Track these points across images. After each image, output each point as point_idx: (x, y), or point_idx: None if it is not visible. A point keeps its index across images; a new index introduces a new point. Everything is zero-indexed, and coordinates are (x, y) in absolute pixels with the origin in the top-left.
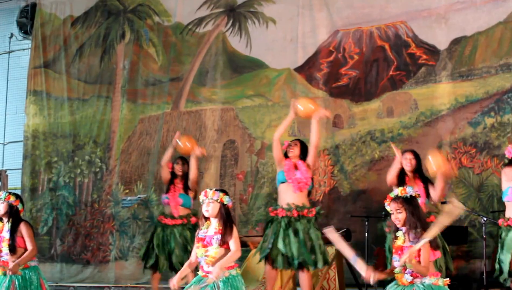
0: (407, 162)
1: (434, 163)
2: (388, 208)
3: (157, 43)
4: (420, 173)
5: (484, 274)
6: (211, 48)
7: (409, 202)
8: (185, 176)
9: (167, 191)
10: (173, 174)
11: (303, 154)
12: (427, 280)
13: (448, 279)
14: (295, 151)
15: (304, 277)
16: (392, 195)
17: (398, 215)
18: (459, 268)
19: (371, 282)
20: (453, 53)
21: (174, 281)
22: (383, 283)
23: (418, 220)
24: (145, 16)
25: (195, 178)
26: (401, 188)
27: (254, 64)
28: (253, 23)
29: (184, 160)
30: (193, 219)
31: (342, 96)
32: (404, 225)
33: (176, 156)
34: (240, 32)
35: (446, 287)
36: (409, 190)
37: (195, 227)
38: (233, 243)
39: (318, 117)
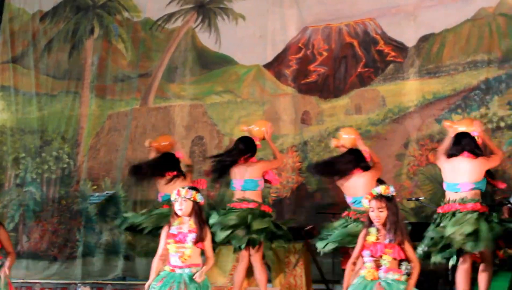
0: None
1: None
2: (366, 204)
3: (126, 39)
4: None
5: (449, 270)
6: (180, 44)
7: (391, 201)
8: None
9: None
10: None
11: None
12: (391, 276)
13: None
14: None
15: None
16: (374, 192)
17: (380, 213)
18: (426, 264)
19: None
20: (421, 50)
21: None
22: None
23: (397, 220)
24: (114, 11)
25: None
26: (384, 186)
27: (223, 60)
28: (223, 20)
29: None
30: None
31: (310, 92)
32: (384, 224)
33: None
34: (210, 28)
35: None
36: (391, 190)
37: None
38: (209, 248)
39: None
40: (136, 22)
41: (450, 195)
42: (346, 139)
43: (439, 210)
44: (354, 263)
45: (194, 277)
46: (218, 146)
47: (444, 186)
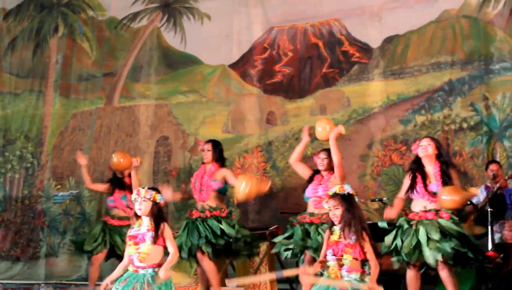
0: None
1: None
2: (326, 205)
3: (91, 38)
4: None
5: None
6: (146, 44)
7: (345, 199)
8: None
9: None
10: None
11: (219, 156)
12: (353, 275)
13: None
14: (208, 156)
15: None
16: (330, 192)
17: (335, 211)
18: (389, 264)
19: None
20: (385, 52)
21: (107, 280)
22: None
23: (353, 217)
24: (79, 10)
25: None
26: (339, 185)
27: (189, 60)
28: (188, 19)
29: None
30: None
31: (276, 93)
32: (340, 221)
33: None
34: (175, 27)
35: None
36: (346, 188)
37: None
38: (171, 244)
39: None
40: (101, 21)
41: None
42: (320, 133)
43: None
44: (322, 262)
45: (157, 274)
46: (183, 146)
47: None
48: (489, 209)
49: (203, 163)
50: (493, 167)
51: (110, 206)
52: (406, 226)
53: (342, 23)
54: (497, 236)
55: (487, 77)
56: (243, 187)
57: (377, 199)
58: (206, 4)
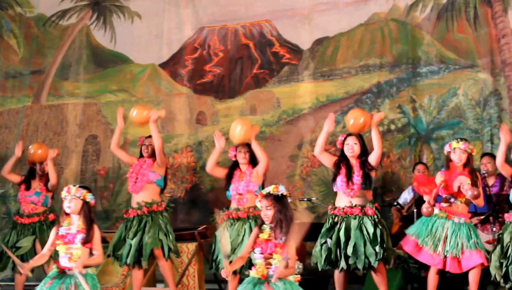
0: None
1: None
2: (258, 204)
3: (19, 35)
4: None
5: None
6: (75, 41)
7: (278, 200)
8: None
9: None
10: (32, 173)
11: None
12: None
13: (299, 276)
14: (148, 151)
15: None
16: (264, 192)
17: (267, 211)
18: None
19: (226, 276)
20: (315, 53)
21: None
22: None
23: (284, 218)
24: (6, 6)
25: (56, 181)
26: (273, 186)
27: (119, 58)
28: (118, 18)
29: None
30: (50, 216)
31: (206, 93)
32: (272, 221)
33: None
34: (105, 26)
35: (297, 283)
36: (281, 189)
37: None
38: (97, 247)
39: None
40: (29, 18)
41: None
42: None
43: None
44: (242, 257)
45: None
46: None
47: None
48: (415, 210)
49: (140, 157)
50: (419, 168)
51: (18, 202)
52: (331, 222)
53: (273, 24)
54: None
55: (415, 80)
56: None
57: (305, 199)
58: (137, 3)
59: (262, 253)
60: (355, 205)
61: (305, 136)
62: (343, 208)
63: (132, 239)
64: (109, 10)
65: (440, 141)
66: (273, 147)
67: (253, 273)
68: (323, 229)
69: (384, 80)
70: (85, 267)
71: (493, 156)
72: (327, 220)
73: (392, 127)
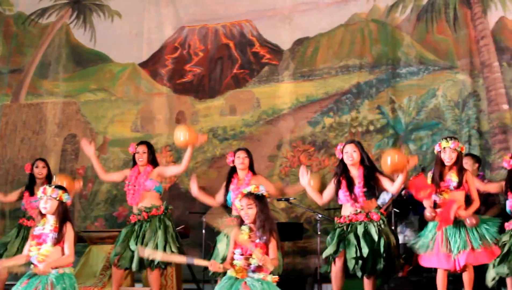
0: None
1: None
2: (238, 204)
3: None
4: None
5: (318, 269)
6: (54, 40)
7: (260, 200)
8: (48, 178)
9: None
10: (32, 178)
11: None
12: (256, 276)
13: (277, 276)
14: (143, 158)
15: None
16: (245, 191)
17: (248, 210)
18: (295, 263)
19: (219, 270)
20: (295, 54)
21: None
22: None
23: (266, 218)
24: None
25: None
26: (254, 185)
27: (98, 57)
28: (98, 16)
29: (44, 161)
30: None
31: (186, 92)
32: (253, 221)
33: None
34: (85, 24)
35: (275, 284)
36: (261, 189)
37: None
38: (68, 247)
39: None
40: (8, 16)
41: None
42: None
43: None
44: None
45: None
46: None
47: None
48: (393, 210)
49: (134, 165)
50: None
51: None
52: (339, 231)
53: (253, 24)
54: (401, 237)
55: (394, 80)
56: (183, 135)
57: (283, 199)
58: (117, 1)
59: (242, 254)
60: (360, 212)
61: (285, 136)
62: (348, 216)
63: (135, 245)
64: (89, 8)
65: (419, 142)
66: (252, 147)
67: (231, 272)
68: (334, 241)
69: (363, 80)
70: (54, 267)
71: (472, 156)
72: (334, 230)
73: (371, 127)
